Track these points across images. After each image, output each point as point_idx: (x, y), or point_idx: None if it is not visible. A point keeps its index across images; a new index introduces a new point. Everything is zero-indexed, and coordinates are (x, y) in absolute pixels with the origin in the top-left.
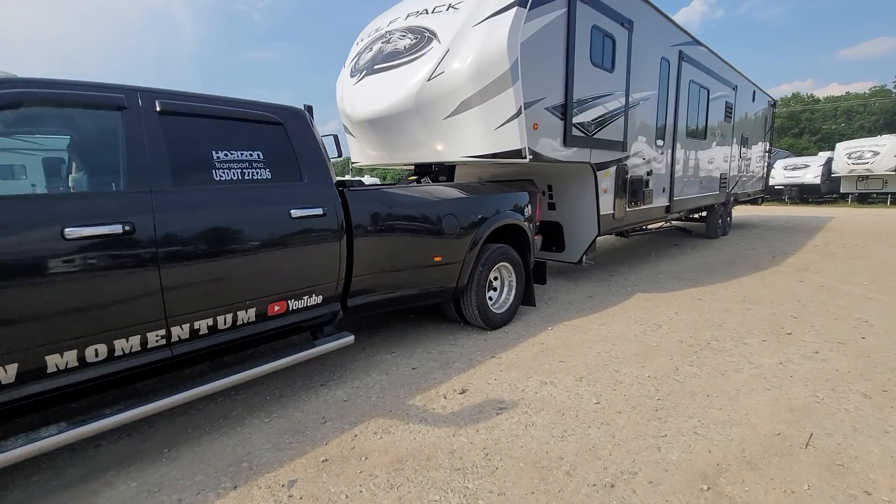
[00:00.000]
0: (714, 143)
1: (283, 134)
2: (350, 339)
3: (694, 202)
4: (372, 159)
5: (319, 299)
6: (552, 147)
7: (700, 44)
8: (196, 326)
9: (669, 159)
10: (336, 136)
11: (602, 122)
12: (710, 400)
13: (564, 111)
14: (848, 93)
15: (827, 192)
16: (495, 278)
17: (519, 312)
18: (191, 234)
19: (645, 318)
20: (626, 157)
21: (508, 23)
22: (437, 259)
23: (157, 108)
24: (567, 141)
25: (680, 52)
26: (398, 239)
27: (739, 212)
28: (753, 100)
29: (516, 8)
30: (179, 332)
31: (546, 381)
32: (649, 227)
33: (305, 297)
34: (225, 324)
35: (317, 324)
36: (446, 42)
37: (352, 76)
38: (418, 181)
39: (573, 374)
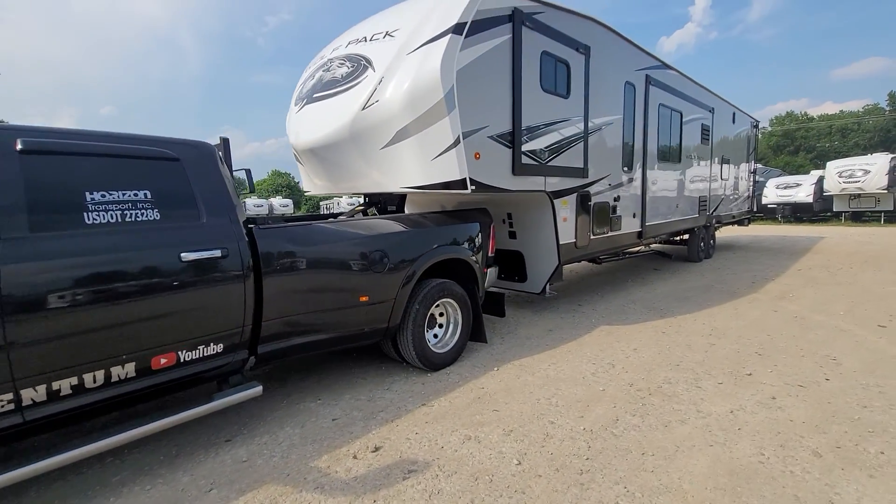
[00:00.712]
0: (690, 166)
1: (181, 170)
2: (257, 390)
3: (671, 226)
4: (320, 189)
5: (220, 348)
6: (499, 176)
7: (669, 67)
8: (55, 387)
9: (640, 184)
10: (248, 170)
11: (557, 149)
12: (644, 459)
13: (512, 139)
14: (842, 111)
15: (820, 210)
16: (441, 314)
17: (469, 350)
18: (47, 284)
19: (601, 355)
20: (589, 184)
21: (442, 50)
22: (364, 298)
23: (18, 147)
24: (516, 169)
25: (647, 76)
26: (317, 278)
27: (728, 233)
28: (734, 121)
29: (451, 35)
30: (33, 394)
31: (471, 435)
32: (629, 251)
33: (201, 347)
34: (95, 381)
35: (220, 374)
36: (381, 70)
37: (295, 104)
38: (365, 212)
39: (503, 427)
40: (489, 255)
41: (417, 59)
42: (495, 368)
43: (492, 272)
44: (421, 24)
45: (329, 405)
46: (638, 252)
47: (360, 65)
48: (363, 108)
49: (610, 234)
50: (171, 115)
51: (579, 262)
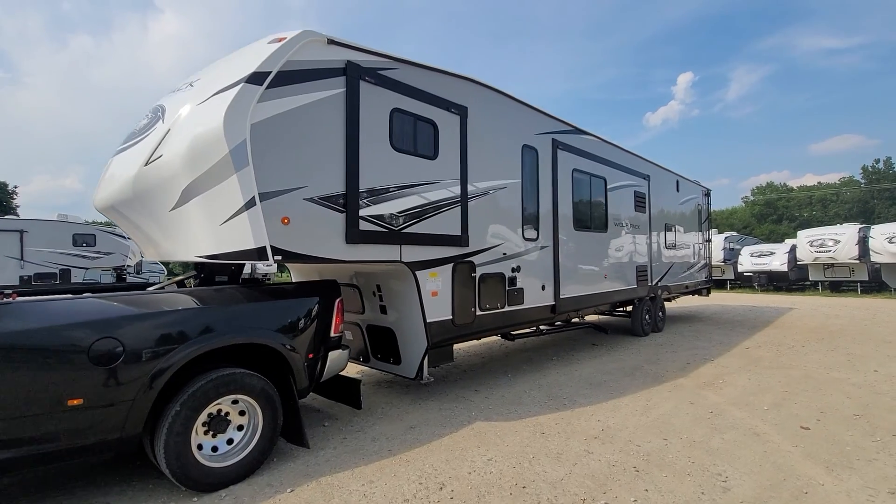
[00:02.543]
0: (621, 234)
1: None
2: None
3: (598, 299)
4: (150, 254)
5: None
6: (325, 244)
7: (583, 132)
8: None
9: (551, 253)
10: None
11: (419, 214)
12: None
13: (346, 202)
14: (820, 182)
15: (796, 279)
16: (243, 412)
17: (284, 456)
18: None
19: (440, 469)
20: (471, 253)
21: (230, 100)
22: (76, 402)
23: None
24: (351, 237)
25: (554, 140)
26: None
27: (694, 303)
28: (678, 189)
29: (244, 85)
30: None
31: None
32: (553, 326)
33: None
34: None
35: None
36: (169, 121)
37: (111, 157)
38: (182, 283)
39: None
40: (334, 334)
41: (206, 109)
42: (289, 490)
43: (339, 356)
44: (221, 74)
45: None
46: (570, 326)
47: (156, 115)
48: (146, 164)
49: (508, 308)
50: None
51: (464, 341)
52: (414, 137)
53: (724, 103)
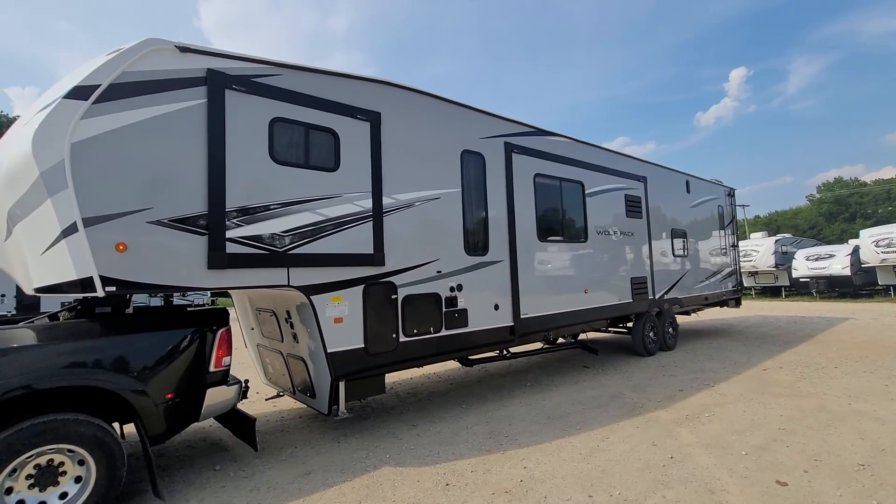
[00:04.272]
0: (607, 243)
1: None
2: None
3: (574, 317)
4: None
5: None
6: (181, 272)
7: (550, 134)
8: None
9: (507, 268)
10: None
11: (314, 231)
12: None
13: (208, 223)
14: None
15: (862, 284)
16: (82, 462)
17: None
18: None
19: None
20: (390, 273)
21: (41, 118)
22: None
23: None
24: (216, 261)
25: (507, 143)
26: None
27: (730, 314)
28: (688, 191)
29: (60, 101)
30: None
31: None
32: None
33: None
34: None
35: None
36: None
37: None
38: (56, 315)
39: None
40: (214, 369)
41: (22, 130)
42: None
43: (222, 392)
44: (55, 90)
45: None
46: (555, 347)
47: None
48: None
49: (446, 332)
50: None
51: (391, 370)
52: (305, 148)
53: (783, 97)
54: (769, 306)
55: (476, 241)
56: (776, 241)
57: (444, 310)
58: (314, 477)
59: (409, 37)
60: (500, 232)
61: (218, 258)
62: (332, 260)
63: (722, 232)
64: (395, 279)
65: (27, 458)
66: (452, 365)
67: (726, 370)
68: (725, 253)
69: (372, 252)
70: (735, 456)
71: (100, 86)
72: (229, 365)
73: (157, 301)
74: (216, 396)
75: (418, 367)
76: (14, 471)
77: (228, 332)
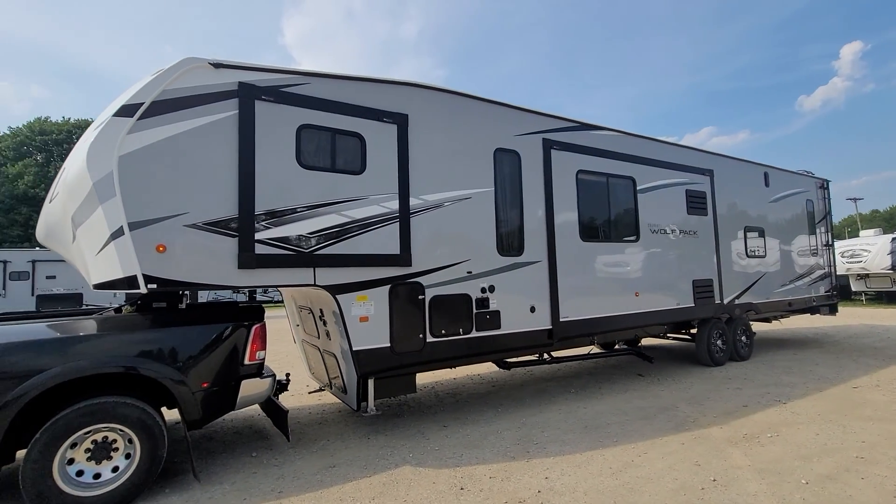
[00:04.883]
0: (664, 243)
1: None
2: None
3: (622, 321)
4: None
5: None
6: (213, 270)
7: (595, 128)
8: None
9: (546, 268)
10: None
11: (340, 233)
12: None
13: (239, 226)
14: None
15: None
16: (131, 441)
17: (179, 488)
18: None
19: None
20: (417, 273)
21: (94, 135)
22: None
23: None
24: (245, 261)
25: (545, 140)
26: None
27: (830, 322)
28: (767, 184)
29: (110, 119)
30: None
31: None
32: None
33: None
34: None
35: None
36: (67, 160)
37: None
38: (119, 308)
39: None
40: (249, 362)
41: (81, 146)
42: None
43: (257, 384)
44: (108, 110)
45: None
46: (608, 353)
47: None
48: (50, 201)
49: (476, 334)
50: None
51: (420, 370)
52: (331, 153)
53: None
54: (882, 314)
55: (510, 242)
56: (893, 238)
57: (474, 311)
58: (337, 470)
59: (479, 36)
60: (538, 232)
61: (247, 258)
62: (357, 260)
63: (811, 229)
64: (422, 279)
65: (84, 433)
66: (497, 367)
67: (806, 385)
68: (816, 253)
69: (398, 252)
70: (792, 484)
71: (143, 103)
72: (263, 359)
73: (241, 296)
74: (250, 388)
75: (450, 367)
76: (74, 444)
77: (263, 327)
